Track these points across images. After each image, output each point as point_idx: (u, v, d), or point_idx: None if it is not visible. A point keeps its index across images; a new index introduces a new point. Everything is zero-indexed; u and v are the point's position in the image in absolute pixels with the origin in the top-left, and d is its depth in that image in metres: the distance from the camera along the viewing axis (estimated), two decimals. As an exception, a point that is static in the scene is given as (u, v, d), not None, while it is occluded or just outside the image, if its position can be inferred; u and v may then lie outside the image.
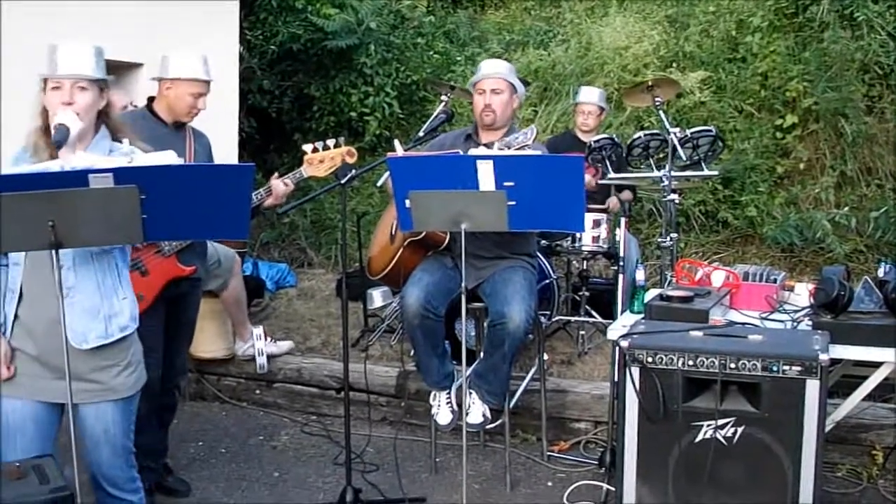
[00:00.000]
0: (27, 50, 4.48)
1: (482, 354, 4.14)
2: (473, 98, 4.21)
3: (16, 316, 2.74)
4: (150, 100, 3.84)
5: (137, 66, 5.68)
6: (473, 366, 4.16)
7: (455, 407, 4.17)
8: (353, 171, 3.84)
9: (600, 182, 5.25)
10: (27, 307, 2.71)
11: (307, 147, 3.94)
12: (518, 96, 4.18)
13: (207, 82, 3.78)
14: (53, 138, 2.63)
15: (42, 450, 2.74)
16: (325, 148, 3.92)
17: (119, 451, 2.88)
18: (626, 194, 5.63)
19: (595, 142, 5.06)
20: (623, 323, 3.49)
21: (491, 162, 3.24)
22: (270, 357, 5.19)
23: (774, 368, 2.93)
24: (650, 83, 5.20)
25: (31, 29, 4.63)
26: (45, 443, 2.79)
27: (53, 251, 2.48)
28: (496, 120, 4.10)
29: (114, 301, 2.79)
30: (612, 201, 5.49)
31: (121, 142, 2.83)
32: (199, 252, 3.88)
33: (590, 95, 5.86)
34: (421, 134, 4.67)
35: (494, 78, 4.11)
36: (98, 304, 2.75)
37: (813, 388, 2.90)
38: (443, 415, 4.18)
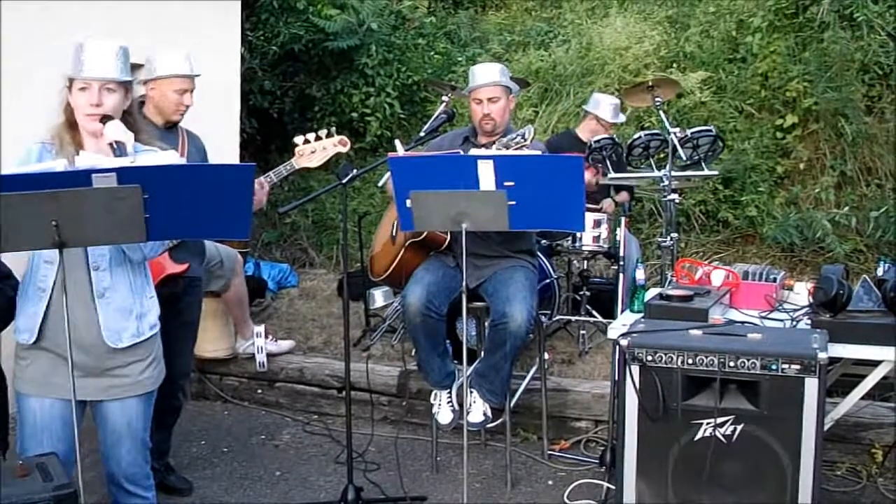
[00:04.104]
0: (26, 47, 4.53)
1: (483, 354, 4.16)
2: (471, 105, 4.23)
3: (45, 316, 2.72)
4: (142, 103, 3.81)
5: (137, 66, 5.67)
6: (474, 365, 4.18)
7: (456, 406, 4.19)
8: (354, 170, 3.83)
9: (601, 182, 5.26)
10: (58, 306, 2.66)
11: (298, 139, 3.91)
12: (513, 96, 4.22)
13: (190, 77, 3.73)
14: (117, 156, 2.60)
15: (68, 447, 2.75)
16: (318, 139, 3.91)
17: (139, 447, 2.91)
18: (623, 195, 5.64)
19: (595, 142, 5.07)
20: (623, 322, 3.50)
21: (491, 162, 3.26)
22: (271, 356, 5.19)
23: (773, 367, 2.94)
24: (650, 83, 5.22)
25: (30, 28, 4.64)
26: (72, 441, 2.78)
27: (57, 250, 2.49)
28: (496, 127, 4.15)
29: (143, 300, 2.83)
30: (607, 203, 5.49)
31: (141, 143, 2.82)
32: (194, 250, 3.84)
33: (612, 114, 5.84)
34: (422, 134, 4.68)
35: (490, 86, 4.13)
36: (131, 304, 2.78)
37: (812, 386, 2.92)
38: (444, 414, 4.20)
